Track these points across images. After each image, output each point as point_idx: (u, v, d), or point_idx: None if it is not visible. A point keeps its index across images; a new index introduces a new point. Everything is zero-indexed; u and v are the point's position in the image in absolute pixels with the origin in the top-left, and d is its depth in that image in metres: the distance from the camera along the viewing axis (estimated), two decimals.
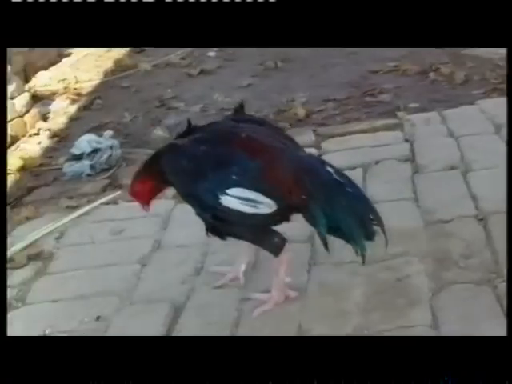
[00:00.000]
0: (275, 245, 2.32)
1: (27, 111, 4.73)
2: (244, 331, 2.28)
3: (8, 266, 2.86)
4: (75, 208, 3.34)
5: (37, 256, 2.94)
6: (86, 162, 3.79)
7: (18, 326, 2.47)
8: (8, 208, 3.33)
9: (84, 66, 6.04)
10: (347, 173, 2.41)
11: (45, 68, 5.93)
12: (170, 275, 2.64)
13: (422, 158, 3.29)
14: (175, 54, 5.81)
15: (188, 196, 2.31)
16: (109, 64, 6.00)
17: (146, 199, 2.41)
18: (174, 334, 2.33)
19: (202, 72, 5.37)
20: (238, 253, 2.57)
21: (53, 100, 5.29)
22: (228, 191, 2.17)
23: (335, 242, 2.64)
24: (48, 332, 2.41)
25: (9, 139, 4.42)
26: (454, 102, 3.94)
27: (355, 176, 2.83)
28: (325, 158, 3.15)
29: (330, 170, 2.25)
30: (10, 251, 2.95)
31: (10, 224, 3.19)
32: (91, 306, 2.53)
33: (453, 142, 3.39)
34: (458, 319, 2.16)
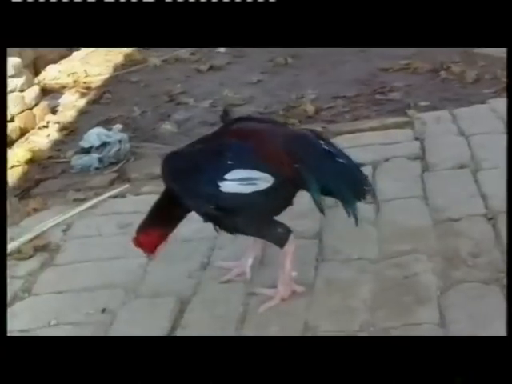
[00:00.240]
0: (279, 236, 2.32)
1: (36, 104, 4.74)
2: (250, 326, 2.27)
3: (15, 256, 2.88)
4: (83, 201, 3.34)
5: (44, 248, 2.94)
6: (94, 156, 3.79)
7: (24, 316, 2.48)
8: (16, 199, 3.33)
9: (94, 60, 6.05)
10: None
11: (55, 61, 5.94)
12: (176, 269, 2.63)
13: (431, 156, 3.27)
14: (185, 50, 5.80)
15: (190, 194, 2.30)
16: (118, 58, 6.00)
17: (151, 249, 2.42)
18: (180, 328, 2.32)
19: (211, 68, 5.37)
20: (245, 248, 2.56)
21: (62, 93, 5.30)
22: (226, 176, 2.21)
23: (342, 239, 2.66)
24: (53, 323, 2.42)
25: (18, 131, 4.44)
26: (464, 101, 3.92)
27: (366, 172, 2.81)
28: None
29: (321, 141, 2.34)
30: (18, 242, 2.96)
31: (17, 215, 3.21)
32: (97, 298, 2.53)
33: (463, 141, 3.37)
34: (465, 318, 2.15)
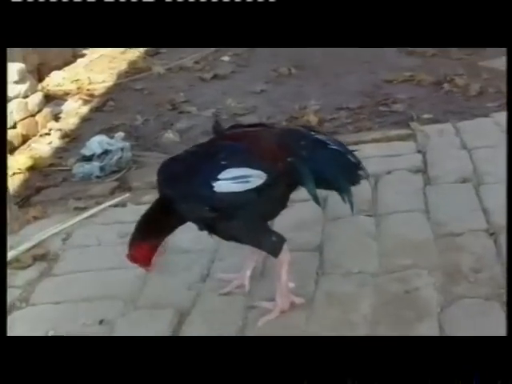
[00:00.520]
0: (273, 244, 2.30)
1: (39, 110, 4.74)
2: None
3: (13, 265, 2.86)
4: (83, 209, 3.33)
5: (42, 257, 2.93)
6: (95, 164, 3.78)
7: (21, 326, 2.46)
8: (16, 207, 3.32)
9: (98, 68, 6.06)
10: None
11: (59, 68, 5.95)
12: (175, 281, 2.62)
13: (434, 169, 3.25)
14: (189, 58, 5.81)
15: (185, 197, 2.29)
16: (122, 66, 6.01)
17: (146, 262, 2.41)
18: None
19: (215, 76, 5.37)
20: (244, 259, 2.54)
21: (65, 100, 5.30)
22: (219, 176, 2.21)
23: (343, 252, 2.65)
24: (51, 334, 2.40)
25: (20, 138, 4.44)
26: (468, 114, 3.90)
27: (366, 185, 2.80)
28: None
29: (312, 132, 2.37)
30: (16, 251, 2.94)
31: (17, 223, 3.19)
32: (95, 309, 2.51)
33: (466, 155, 3.35)
34: (466, 334, 2.12)
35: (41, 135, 4.59)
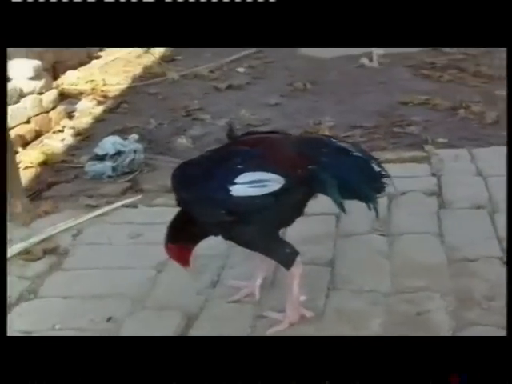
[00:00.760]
0: (286, 256, 2.29)
1: (53, 108, 4.74)
2: None
3: (23, 257, 2.86)
4: (94, 207, 3.32)
5: (53, 251, 2.92)
6: (108, 164, 3.77)
7: (28, 318, 2.45)
8: (27, 200, 3.31)
9: (113, 70, 6.07)
10: None
11: (74, 67, 5.98)
12: (185, 284, 2.60)
13: (448, 193, 3.24)
14: (204, 67, 5.83)
15: (201, 201, 2.27)
16: (137, 70, 6.03)
17: (181, 261, 2.42)
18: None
19: (229, 87, 5.38)
20: (255, 268, 2.53)
21: (79, 99, 5.31)
22: (236, 180, 2.20)
23: (355, 268, 2.63)
24: (57, 327, 2.38)
25: (33, 133, 4.43)
26: (483, 142, 3.90)
27: (380, 204, 2.78)
28: None
29: (334, 140, 2.37)
30: (27, 243, 2.93)
31: (28, 216, 3.18)
32: (103, 306, 2.50)
33: (481, 181, 3.34)
34: None
35: (54, 132, 4.59)
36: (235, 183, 2.20)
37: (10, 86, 4.27)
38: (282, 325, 2.32)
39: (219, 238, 2.39)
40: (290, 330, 2.30)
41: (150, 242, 2.95)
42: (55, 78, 5.55)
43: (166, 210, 3.20)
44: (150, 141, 4.31)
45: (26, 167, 3.90)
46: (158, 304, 2.51)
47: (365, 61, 5.62)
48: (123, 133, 4.33)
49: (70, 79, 5.73)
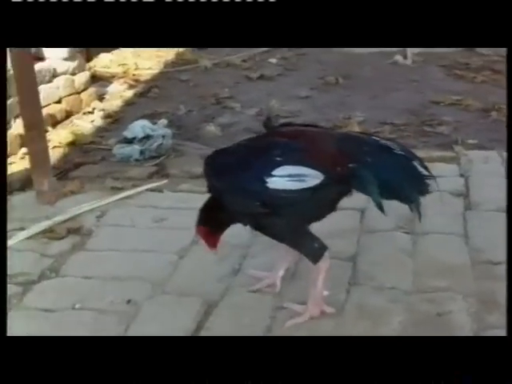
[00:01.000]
0: (315, 250, 2.27)
1: (85, 89, 4.78)
2: None
3: (47, 235, 2.88)
4: (120, 190, 3.34)
5: (76, 231, 2.94)
6: (136, 147, 3.78)
7: (49, 296, 2.47)
8: (54, 179, 3.33)
9: (145, 54, 6.08)
10: None
11: (107, 50, 5.99)
12: (206, 271, 2.60)
13: (476, 195, 3.21)
14: (236, 56, 5.82)
15: (237, 191, 2.25)
16: (170, 56, 6.04)
17: (209, 243, 2.41)
18: (203, 330, 2.28)
19: (261, 77, 5.37)
20: (277, 259, 2.52)
21: (110, 82, 5.34)
22: (273, 172, 2.17)
23: (377, 265, 2.62)
24: (77, 307, 2.40)
25: (63, 113, 4.47)
26: None
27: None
28: None
29: (377, 138, 2.31)
30: (51, 221, 2.95)
31: (54, 195, 3.21)
32: (123, 288, 2.51)
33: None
34: None
35: (84, 113, 4.63)
36: (273, 175, 2.17)
37: (44, 65, 4.31)
38: (302, 317, 2.31)
39: (242, 227, 2.39)
40: (309, 324, 2.29)
41: (173, 226, 2.96)
42: (88, 59, 5.57)
43: (191, 196, 3.24)
44: (179, 127, 4.32)
45: (55, 146, 3.93)
46: (178, 289, 2.51)
47: (399, 58, 5.57)
48: (152, 117, 4.34)
49: (103, 62, 5.77)
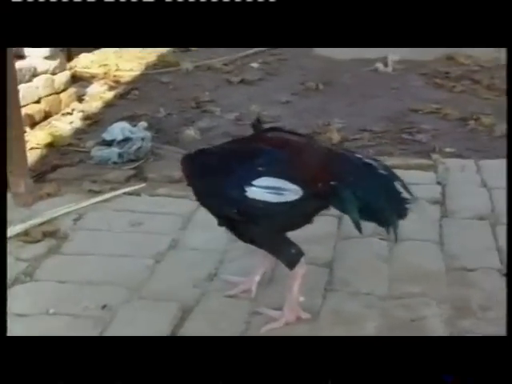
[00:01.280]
0: (291, 256, 2.28)
1: (65, 89, 4.75)
2: None
3: (22, 239, 2.86)
4: (97, 193, 3.32)
5: (52, 234, 2.92)
6: (115, 150, 3.76)
7: (23, 300, 2.45)
8: (31, 181, 3.30)
9: (127, 56, 6.05)
10: None
11: (89, 50, 5.95)
12: (182, 276, 2.60)
13: (452, 203, 3.24)
14: (218, 59, 5.81)
15: (213, 195, 2.26)
16: (151, 58, 6.01)
17: None
18: (179, 335, 2.28)
19: (242, 81, 5.37)
20: (254, 264, 2.52)
21: (91, 83, 5.30)
22: (254, 182, 2.16)
23: (353, 271, 2.63)
24: (51, 312, 2.38)
25: (42, 114, 4.44)
26: (491, 154, 3.87)
27: None
28: None
29: (360, 155, 2.30)
30: (27, 224, 2.93)
31: (30, 197, 3.19)
32: (99, 293, 2.49)
33: (485, 193, 3.33)
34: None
35: (63, 114, 4.59)
36: (253, 185, 2.16)
37: (24, 64, 4.27)
38: (277, 323, 2.31)
39: (219, 232, 2.39)
40: (284, 329, 2.29)
41: (150, 231, 2.96)
42: (69, 59, 5.54)
43: (169, 200, 3.24)
44: (158, 130, 4.30)
45: (32, 148, 3.90)
46: (154, 294, 2.50)
47: (380, 65, 5.60)
48: (132, 120, 4.31)
49: (84, 62, 5.73)
